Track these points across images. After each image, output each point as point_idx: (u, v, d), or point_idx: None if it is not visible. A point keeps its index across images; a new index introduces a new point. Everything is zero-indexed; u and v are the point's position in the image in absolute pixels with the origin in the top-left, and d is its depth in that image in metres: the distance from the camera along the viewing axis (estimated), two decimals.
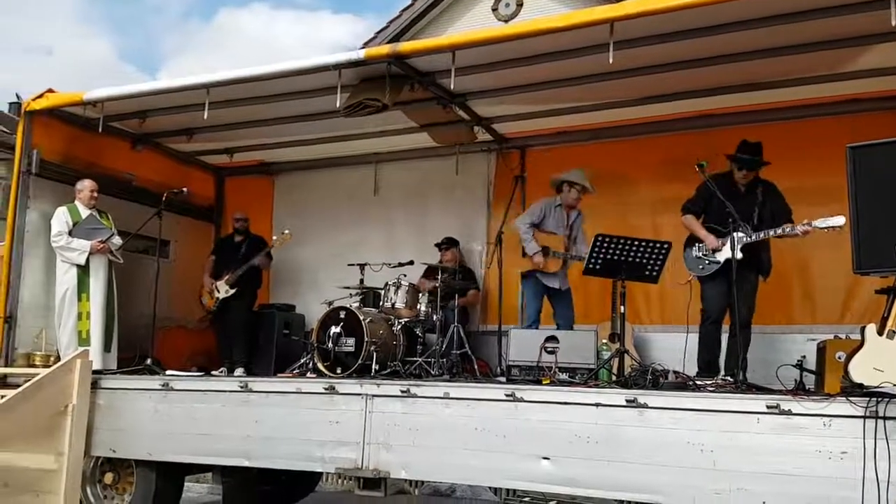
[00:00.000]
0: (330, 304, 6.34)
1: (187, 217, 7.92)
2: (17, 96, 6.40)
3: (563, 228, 6.14)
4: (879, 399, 3.52)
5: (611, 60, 4.55)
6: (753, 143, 5.31)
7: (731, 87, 5.76)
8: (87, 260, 6.18)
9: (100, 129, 6.39)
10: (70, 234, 6.20)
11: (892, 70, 5.28)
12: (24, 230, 6.17)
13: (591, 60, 5.11)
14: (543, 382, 4.78)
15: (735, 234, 4.95)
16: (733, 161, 5.33)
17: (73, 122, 6.56)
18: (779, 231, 5.03)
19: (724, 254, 5.10)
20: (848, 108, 5.86)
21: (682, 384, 4.59)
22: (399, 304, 6.25)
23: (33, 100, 6.24)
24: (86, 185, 6.38)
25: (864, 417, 3.54)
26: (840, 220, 4.67)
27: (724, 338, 5.30)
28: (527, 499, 6.87)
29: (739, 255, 4.97)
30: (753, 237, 5.03)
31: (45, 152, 6.36)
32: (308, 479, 7.33)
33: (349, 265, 6.83)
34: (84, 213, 6.32)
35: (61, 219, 6.22)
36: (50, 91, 6.29)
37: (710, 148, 5.96)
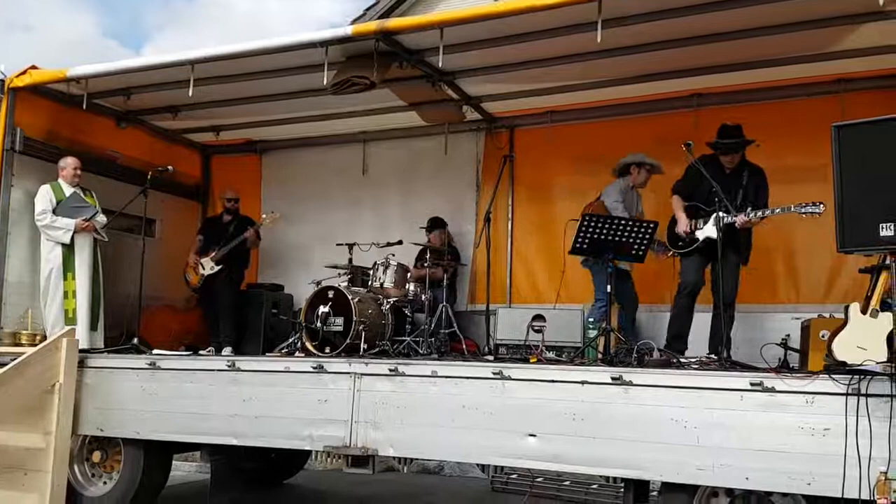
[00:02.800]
0: (318, 283, 6.32)
1: (173, 195, 7.88)
2: (2, 73, 6.28)
3: (634, 210, 6.05)
4: (862, 376, 3.56)
5: (599, 39, 4.55)
6: (732, 126, 5.31)
7: (720, 67, 5.76)
8: (72, 238, 6.13)
9: (84, 107, 6.32)
10: (54, 212, 6.15)
11: (879, 49, 5.29)
12: (8, 209, 6.12)
13: (579, 39, 5.09)
14: (531, 361, 4.81)
15: (718, 213, 4.97)
16: (714, 148, 5.34)
17: (56, 99, 6.49)
18: (759, 214, 5.04)
19: (703, 233, 5.15)
20: (836, 87, 5.87)
21: (667, 362, 4.63)
22: (388, 284, 6.26)
23: (16, 76, 6.16)
24: (69, 163, 6.32)
25: (847, 394, 3.58)
26: (820, 208, 4.76)
27: (701, 317, 5.35)
28: (514, 475, 6.94)
29: (718, 235, 5.00)
30: (733, 218, 5.02)
31: (29, 130, 6.29)
32: (297, 458, 7.37)
33: (338, 245, 6.83)
34: (68, 191, 6.27)
35: (45, 197, 6.16)
36: (33, 67, 6.20)
37: (700, 127, 5.98)
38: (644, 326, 6.22)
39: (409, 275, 6.41)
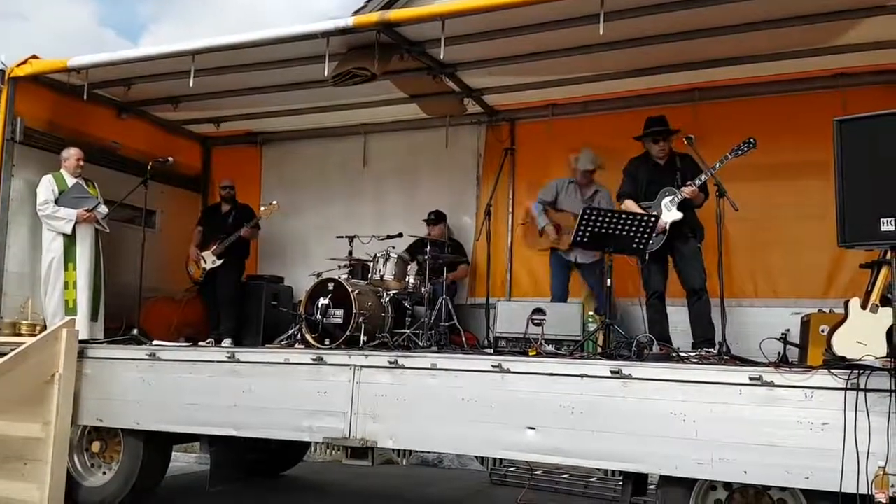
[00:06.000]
0: (318, 275, 6.33)
1: (173, 186, 7.88)
2: (2, 62, 6.27)
3: (578, 205, 6.06)
4: (861, 371, 3.56)
5: (601, 31, 4.54)
6: (656, 117, 5.57)
7: (721, 60, 5.75)
8: (74, 229, 6.14)
9: (84, 97, 6.31)
10: (56, 202, 6.16)
11: (882, 44, 5.29)
12: (8, 198, 6.13)
13: (582, 31, 5.09)
14: (530, 354, 4.80)
15: (664, 198, 5.29)
16: (643, 140, 5.56)
17: (57, 89, 6.47)
18: (701, 177, 5.21)
19: (666, 217, 5.30)
20: (837, 82, 5.86)
21: (666, 356, 4.63)
22: (388, 277, 6.25)
23: (17, 66, 6.15)
24: (72, 154, 6.32)
25: (846, 389, 3.58)
26: (751, 142, 5.01)
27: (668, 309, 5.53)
28: (513, 468, 6.97)
29: (680, 215, 5.24)
30: (683, 193, 5.24)
31: (30, 120, 6.29)
32: (296, 449, 7.39)
33: (338, 237, 6.82)
34: (70, 181, 6.27)
35: (47, 187, 6.17)
36: (34, 57, 6.20)
37: (701, 121, 5.98)
38: (643, 319, 6.22)
39: (409, 267, 6.40)
